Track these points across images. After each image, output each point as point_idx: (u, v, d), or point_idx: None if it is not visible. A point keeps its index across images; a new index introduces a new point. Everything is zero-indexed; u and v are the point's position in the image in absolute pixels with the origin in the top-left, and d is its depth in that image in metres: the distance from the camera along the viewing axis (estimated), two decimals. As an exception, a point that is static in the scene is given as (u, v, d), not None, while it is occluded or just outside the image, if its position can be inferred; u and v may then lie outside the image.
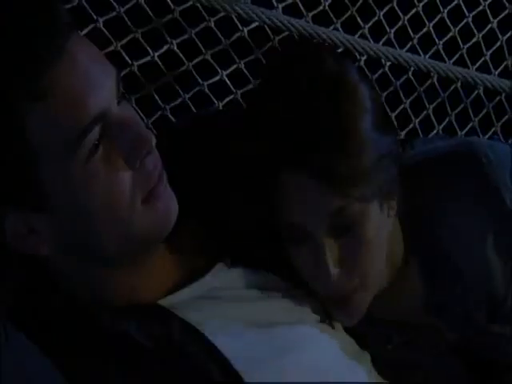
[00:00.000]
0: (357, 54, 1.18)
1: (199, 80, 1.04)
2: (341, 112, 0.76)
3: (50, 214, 0.67)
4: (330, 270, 0.79)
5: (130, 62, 0.99)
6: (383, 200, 0.80)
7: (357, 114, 0.77)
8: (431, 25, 1.26)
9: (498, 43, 1.33)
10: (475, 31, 1.30)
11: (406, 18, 1.23)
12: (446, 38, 1.27)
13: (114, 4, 0.96)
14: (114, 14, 0.96)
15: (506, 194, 0.86)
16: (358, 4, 1.18)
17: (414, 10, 1.24)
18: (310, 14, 1.13)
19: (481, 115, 1.34)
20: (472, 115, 1.33)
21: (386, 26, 1.21)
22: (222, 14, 1.04)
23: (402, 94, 1.24)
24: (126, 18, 0.97)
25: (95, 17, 0.95)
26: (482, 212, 0.87)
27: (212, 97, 1.05)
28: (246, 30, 1.07)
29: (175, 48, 1.02)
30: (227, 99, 1.06)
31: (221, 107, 1.06)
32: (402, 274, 0.88)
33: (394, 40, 1.21)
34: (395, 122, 1.23)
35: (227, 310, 0.78)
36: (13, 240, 0.68)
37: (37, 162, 0.64)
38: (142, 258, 0.75)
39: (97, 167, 0.66)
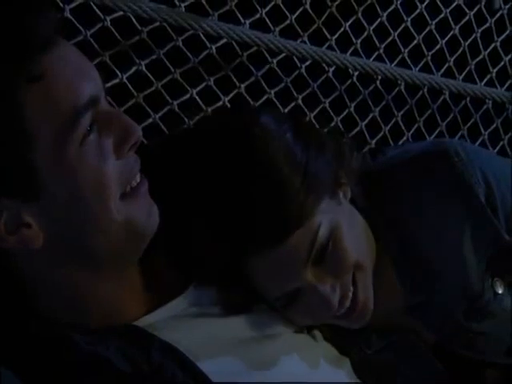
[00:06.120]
0: (325, 66, 1.19)
1: (169, 99, 1.04)
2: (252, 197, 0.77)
3: (42, 204, 0.67)
4: (326, 292, 0.82)
5: (98, 84, 0.98)
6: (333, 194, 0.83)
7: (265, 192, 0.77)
8: (396, 34, 1.27)
9: (461, 49, 1.36)
10: (438, 38, 1.33)
11: (371, 28, 1.24)
12: (410, 46, 1.29)
13: (80, 28, 0.95)
14: (81, 37, 0.95)
15: (479, 190, 0.87)
16: (324, 16, 1.19)
17: (378, 20, 1.25)
18: (277, 29, 1.13)
19: (448, 120, 1.36)
20: (439, 120, 1.35)
21: (352, 36, 1.22)
22: (189, 33, 1.04)
23: (370, 103, 1.26)
24: (93, 42, 0.96)
25: (62, 41, 0.94)
26: (457, 210, 0.88)
27: (182, 116, 1.05)
28: (214, 47, 1.07)
29: (143, 69, 1.01)
30: (198, 117, 1.06)
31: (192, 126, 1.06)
32: (376, 274, 0.89)
33: (360, 50, 1.23)
34: (365, 132, 1.25)
35: (203, 328, 0.79)
36: (4, 234, 0.68)
37: (32, 144, 0.65)
38: (123, 267, 0.75)
39: (90, 151, 0.68)
